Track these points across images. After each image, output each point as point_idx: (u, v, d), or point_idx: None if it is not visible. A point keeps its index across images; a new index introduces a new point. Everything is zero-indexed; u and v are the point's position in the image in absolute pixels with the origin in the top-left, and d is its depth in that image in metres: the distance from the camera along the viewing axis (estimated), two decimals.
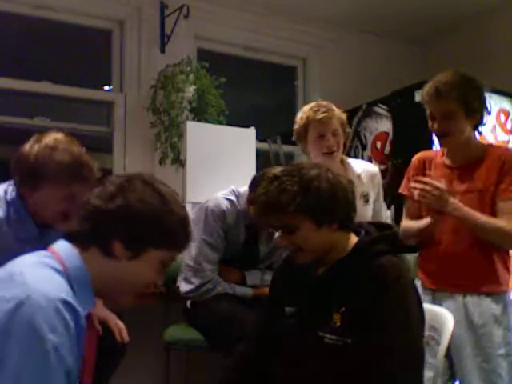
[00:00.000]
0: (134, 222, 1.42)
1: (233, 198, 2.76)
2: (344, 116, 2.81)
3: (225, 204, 2.74)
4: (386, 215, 3.02)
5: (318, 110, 2.74)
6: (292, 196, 1.63)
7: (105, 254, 1.42)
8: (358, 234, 1.79)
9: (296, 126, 2.80)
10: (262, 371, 1.84)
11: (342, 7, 4.34)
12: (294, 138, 2.88)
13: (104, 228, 1.42)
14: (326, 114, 2.72)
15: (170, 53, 3.98)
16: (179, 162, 3.61)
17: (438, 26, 4.63)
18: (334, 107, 2.77)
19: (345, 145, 2.88)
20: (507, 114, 3.90)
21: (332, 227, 1.70)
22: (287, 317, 1.79)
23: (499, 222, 2.24)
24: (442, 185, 2.22)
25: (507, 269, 2.38)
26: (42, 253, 1.43)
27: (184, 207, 1.52)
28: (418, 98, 3.75)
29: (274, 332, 1.80)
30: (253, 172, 3.67)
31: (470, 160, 2.35)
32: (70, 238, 1.47)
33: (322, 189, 1.65)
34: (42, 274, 1.35)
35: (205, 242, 2.71)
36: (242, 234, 2.76)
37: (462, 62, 4.52)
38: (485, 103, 2.34)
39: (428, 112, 2.36)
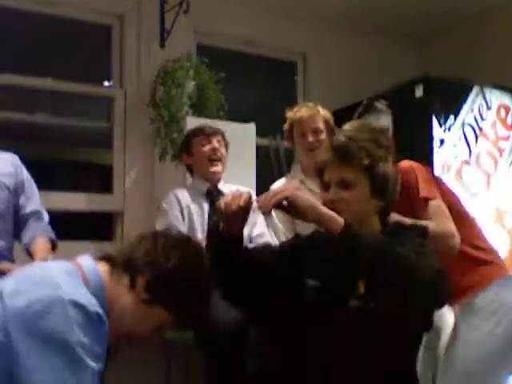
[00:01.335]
0: (172, 284, 1.47)
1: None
2: (329, 115, 3.00)
3: (174, 190, 3.13)
4: None
5: (299, 111, 2.97)
6: (368, 155, 1.82)
7: (129, 282, 1.46)
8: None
9: (284, 128, 3.04)
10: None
11: (342, 2, 4.33)
12: (284, 139, 3.15)
13: (146, 264, 1.46)
14: (304, 113, 2.93)
15: (170, 48, 3.96)
16: (179, 158, 3.61)
17: (438, 22, 4.61)
18: (317, 107, 2.96)
19: None
20: (507, 110, 3.89)
21: (378, 205, 1.83)
22: (309, 289, 1.82)
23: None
24: None
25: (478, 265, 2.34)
26: (66, 263, 1.47)
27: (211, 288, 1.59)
28: (418, 93, 3.75)
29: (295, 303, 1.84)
30: (252, 168, 3.68)
31: None
32: (107, 256, 1.52)
33: (388, 165, 1.86)
34: (71, 280, 1.39)
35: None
36: (203, 205, 3.03)
37: (461, 59, 4.55)
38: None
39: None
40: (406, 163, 2.40)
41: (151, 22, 4.00)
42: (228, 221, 1.77)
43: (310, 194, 1.75)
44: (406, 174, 2.34)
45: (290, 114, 3.01)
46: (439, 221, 2.22)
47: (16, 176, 2.57)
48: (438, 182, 2.42)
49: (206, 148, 3.09)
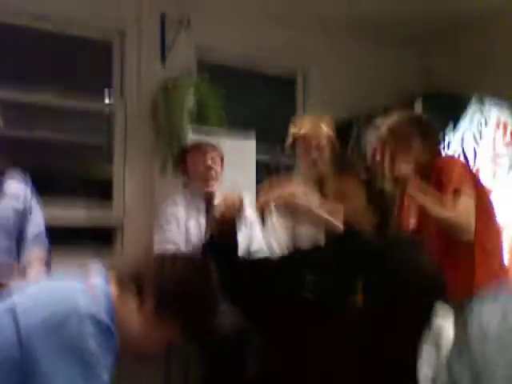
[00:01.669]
0: (180, 302, 1.50)
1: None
2: (331, 131, 3.01)
3: (173, 197, 3.19)
4: None
5: (303, 127, 2.99)
6: (367, 169, 1.94)
7: (138, 301, 1.49)
8: None
9: (287, 143, 3.04)
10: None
11: (341, 17, 4.35)
12: (286, 152, 3.15)
13: (153, 283, 1.50)
14: (308, 130, 2.94)
15: (171, 64, 3.99)
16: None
17: (438, 32, 4.61)
18: (320, 123, 2.96)
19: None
20: (506, 124, 3.90)
21: (374, 218, 1.94)
22: (309, 286, 1.83)
23: (447, 213, 2.34)
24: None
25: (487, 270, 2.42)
26: (77, 281, 1.51)
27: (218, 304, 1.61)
28: (417, 109, 3.76)
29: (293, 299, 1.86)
30: (253, 183, 3.68)
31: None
32: (117, 274, 1.56)
33: (386, 182, 1.97)
34: (83, 296, 1.43)
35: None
36: (201, 210, 3.06)
37: (462, 67, 4.56)
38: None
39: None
40: (449, 156, 2.49)
41: (152, 38, 4.03)
42: (223, 224, 1.81)
43: (311, 195, 1.77)
44: (446, 163, 2.50)
45: (293, 130, 3.04)
46: (459, 213, 2.34)
47: (25, 198, 2.67)
48: (475, 180, 2.56)
49: (201, 166, 3.13)
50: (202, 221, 3.06)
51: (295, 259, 1.95)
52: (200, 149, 3.16)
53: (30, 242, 2.63)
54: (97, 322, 1.35)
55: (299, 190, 1.78)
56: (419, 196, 2.35)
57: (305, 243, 2.16)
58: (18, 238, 2.61)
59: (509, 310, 2.37)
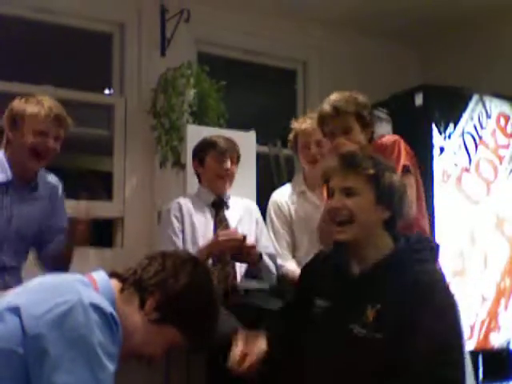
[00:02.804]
0: (182, 304, 1.50)
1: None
2: None
3: (177, 199, 3.02)
4: None
5: (304, 121, 3.01)
6: (374, 164, 1.84)
7: (139, 302, 1.49)
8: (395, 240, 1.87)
9: (289, 138, 3.08)
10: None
11: (342, 9, 4.33)
12: (288, 147, 3.18)
13: (155, 285, 1.50)
14: (309, 125, 2.95)
15: (171, 56, 3.98)
16: (179, 165, 3.61)
17: (438, 28, 4.60)
18: None
19: None
20: (507, 118, 3.90)
21: (384, 215, 1.82)
22: (317, 308, 1.82)
23: None
24: None
25: None
26: (80, 276, 1.50)
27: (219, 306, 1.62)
28: (418, 101, 3.76)
29: (301, 323, 1.84)
30: (253, 176, 3.68)
31: None
32: (117, 274, 1.55)
33: (394, 176, 1.88)
34: (86, 288, 1.43)
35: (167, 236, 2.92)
36: (207, 215, 2.98)
37: (461, 65, 4.56)
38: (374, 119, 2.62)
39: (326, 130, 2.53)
40: (392, 136, 2.57)
41: (152, 30, 4.02)
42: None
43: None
44: (391, 142, 2.54)
45: (295, 125, 3.06)
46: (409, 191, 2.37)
47: (51, 201, 2.66)
48: (415, 161, 2.61)
49: (219, 166, 2.98)
50: (209, 215, 3.00)
51: (307, 282, 1.94)
52: (221, 149, 2.99)
53: (59, 236, 2.61)
54: (101, 312, 1.35)
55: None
56: None
57: None
58: (43, 230, 2.60)
59: None
